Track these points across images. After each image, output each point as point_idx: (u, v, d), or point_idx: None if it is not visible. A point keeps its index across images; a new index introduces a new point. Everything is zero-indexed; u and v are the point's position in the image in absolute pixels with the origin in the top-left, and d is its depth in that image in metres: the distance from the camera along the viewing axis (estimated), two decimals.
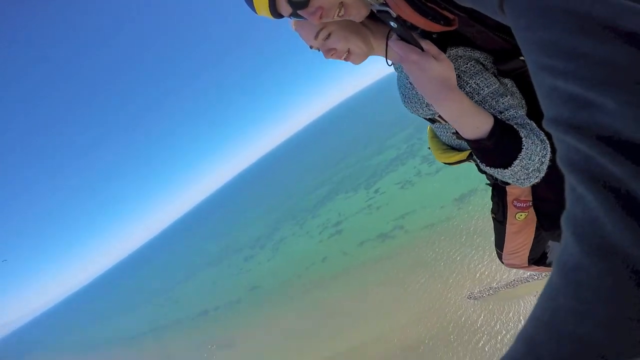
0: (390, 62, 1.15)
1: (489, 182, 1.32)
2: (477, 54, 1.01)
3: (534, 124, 0.92)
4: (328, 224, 29.78)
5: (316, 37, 1.05)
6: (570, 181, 0.37)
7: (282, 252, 30.55)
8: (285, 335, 20.36)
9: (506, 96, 0.96)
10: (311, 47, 1.09)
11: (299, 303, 21.90)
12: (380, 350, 14.22)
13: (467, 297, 8.92)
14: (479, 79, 0.96)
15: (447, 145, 1.25)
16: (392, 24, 0.85)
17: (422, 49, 0.86)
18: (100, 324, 52.12)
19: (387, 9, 0.87)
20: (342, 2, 0.93)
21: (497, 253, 1.55)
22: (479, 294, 8.30)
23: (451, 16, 0.88)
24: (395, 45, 0.87)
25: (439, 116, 1.08)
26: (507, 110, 0.93)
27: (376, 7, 0.90)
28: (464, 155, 1.17)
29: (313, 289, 22.03)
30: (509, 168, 0.88)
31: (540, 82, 0.40)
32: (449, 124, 1.08)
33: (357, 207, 27.22)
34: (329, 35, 1.05)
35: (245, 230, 46.25)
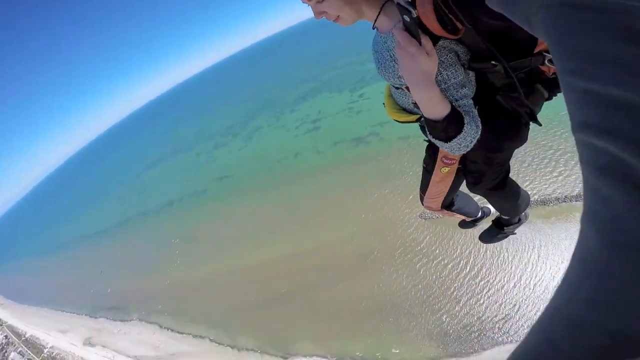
0: (375, 28, 1.21)
1: (426, 139, 1.52)
2: (458, 47, 1.12)
3: (476, 112, 1.14)
4: (307, 119, 28.62)
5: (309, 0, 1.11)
6: (593, 183, 0.37)
7: (255, 142, 31.20)
8: (246, 230, 20.64)
9: (465, 87, 1.13)
10: (303, 2, 1.14)
11: (265, 197, 21.88)
12: (334, 253, 15.00)
13: (419, 216, 8.95)
14: (450, 71, 1.09)
15: (401, 107, 1.43)
16: (405, 17, 0.95)
17: (420, 43, 0.98)
18: (64, 221, 51.43)
19: (411, 9, 0.93)
20: None
21: (420, 195, 1.85)
22: (429, 215, 8.25)
23: (460, 27, 1.00)
24: (399, 34, 0.99)
25: (407, 87, 1.21)
26: (462, 99, 1.11)
27: (400, 2, 0.96)
28: (414, 118, 1.37)
29: (281, 184, 21.78)
30: (448, 143, 1.11)
31: (570, 87, 0.42)
32: (408, 93, 1.25)
33: (338, 108, 26.11)
34: (323, 0, 1.09)
35: (218, 117, 44.22)
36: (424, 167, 1.71)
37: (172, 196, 30.07)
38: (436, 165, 1.57)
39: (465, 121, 1.08)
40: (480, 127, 1.11)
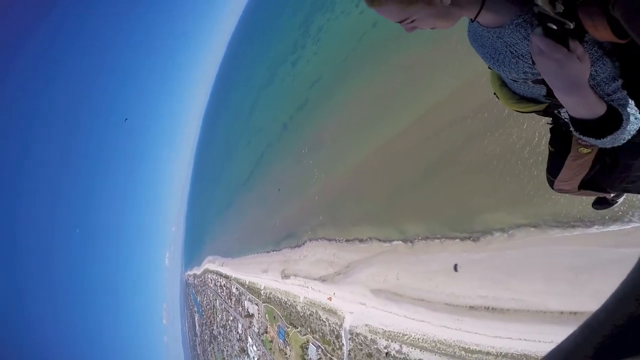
0: (473, 21, 1.15)
1: (550, 122, 1.44)
2: (605, 42, 1.03)
3: (633, 103, 1.01)
4: None
5: (399, 22, 1.08)
6: None
7: (324, 41, 29.38)
8: (364, 115, 18.48)
9: (616, 80, 1.02)
10: (392, 21, 1.10)
11: (366, 76, 19.26)
12: (473, 98, 11.73)
13: None
14: (597, 66, 1.00)
15: (521, 96, 1.30)
16: (551, 25, 0.87)
17: (569, 48, 0.89)
18: (220, 181, 61.45)
19: (566, 21, 0.84)
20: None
21: (548, 179, 1.66)
22: None
23: None
24: (542, 41, 0.89)
25: (533, 81, 1.13)
26: (614, 92, 1.00)
27: (542, 10, 0.86)
28: (541, 107, 1.23)
29: (375, 56, 18.76)
30: (600, 139, 1.00)
31: None
32: (533, 85, 1.16)
33: None
34: (413, 21, 1.07)
35: (277, 43, 42.42)
36: (551, 150, 1.53)
37: (282, 120, 31.59)
38: (572, 146, 1.31)
39: (624, 117, 0.98)
40: None
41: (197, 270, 66.74)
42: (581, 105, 0.96)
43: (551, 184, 1.66)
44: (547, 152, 1.59)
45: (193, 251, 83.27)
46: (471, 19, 1.12)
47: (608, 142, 1.01)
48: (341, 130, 20.20)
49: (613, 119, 0.97)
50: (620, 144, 1.03)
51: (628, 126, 0.98)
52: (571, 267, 7.08)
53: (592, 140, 1.03)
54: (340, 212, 18.43)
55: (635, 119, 0.99)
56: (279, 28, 41.90)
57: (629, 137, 1.01)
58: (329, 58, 25.31)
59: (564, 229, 7.54)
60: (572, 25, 0.84)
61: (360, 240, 15.67)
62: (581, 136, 1.03)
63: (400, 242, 12.96)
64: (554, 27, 0.85)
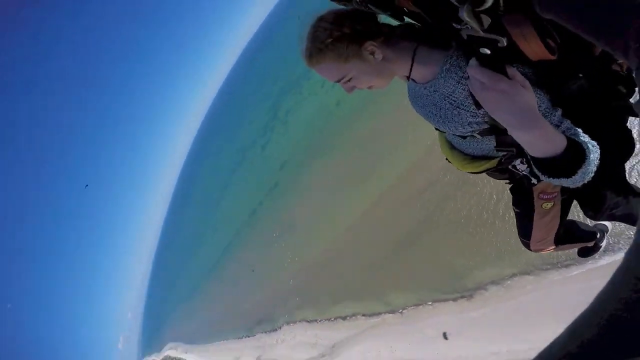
0: (411, 80, 1.15)
1: (509, 182, 1.39)
2: (526, 70, 0.98)
3: (581, 131, 0.96)
4: None
5: (337, 81, 1.11)
6: None
7: (292, 123, 30.12)
8: (336, 189, 18.64)
9: (558, 110, 0.98)
10: (332, 81, 1.15)
11: (335, 153, 19.42)
12: (427, 177, 12.63)
13: None
14: (536, 96, 0.94)
15: (472, 156, 1.26)
16: (484, 51, 0.80)
17: (508, 77, 0.82)
18: (187, 266, 56.88)
19: (498, 37, 0.76)
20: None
21: (523, 242, 1.63)
22: None
23: (553, 44, 0.84)
24: (481, 73, 0.83)
25: (480, 133, 1.09)
26: (561, 123, 0.96)
27: (471, 33, 0.79)
28: (493, 163, 1.19)
29: (341, 134, 19.02)
30: (571, 178, 0.92)
31: None
32: (482, 138, 1.13)
33: None
34: (350, 79, 1.09)
35: (248, 126, 43.82)
36: (516, 211, 1.55)
37: (252, 206, 30.85)
38: (535, 204, 1.38)
39: (584, 146, 0.91)
40: (598, 147, 0.93)
41: (157, 357, 58.64)
42: (542, 139, 0.86)
43: (527, 246, 1.62)
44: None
45: (152, 336, 74.41)
46: (407, 77, 1.10)
47: (579, 178, 0.90)
48: (312, 209, 19.66)
49: (576, 152, 0.89)
50: (590, 178, 0.94)
51: (592, 156, 0.90)
52: (578, 305, 6.80)
53: (563, 181, 0.92)
54: (317, 292, 17.20)
55: (593, 146, 0.92)
56: (251, 108, 43.93)
57: (595, 168, 0.91)
58: (297, 140, 26.30)
59: (558, 269, 7.45)
60: (505, 42, 0.76)
61: (344, 318, 14.37)
62: (550, 179, 0.94)
63: (388, 313, 12.00)
64: (487, 51, 0.78)
